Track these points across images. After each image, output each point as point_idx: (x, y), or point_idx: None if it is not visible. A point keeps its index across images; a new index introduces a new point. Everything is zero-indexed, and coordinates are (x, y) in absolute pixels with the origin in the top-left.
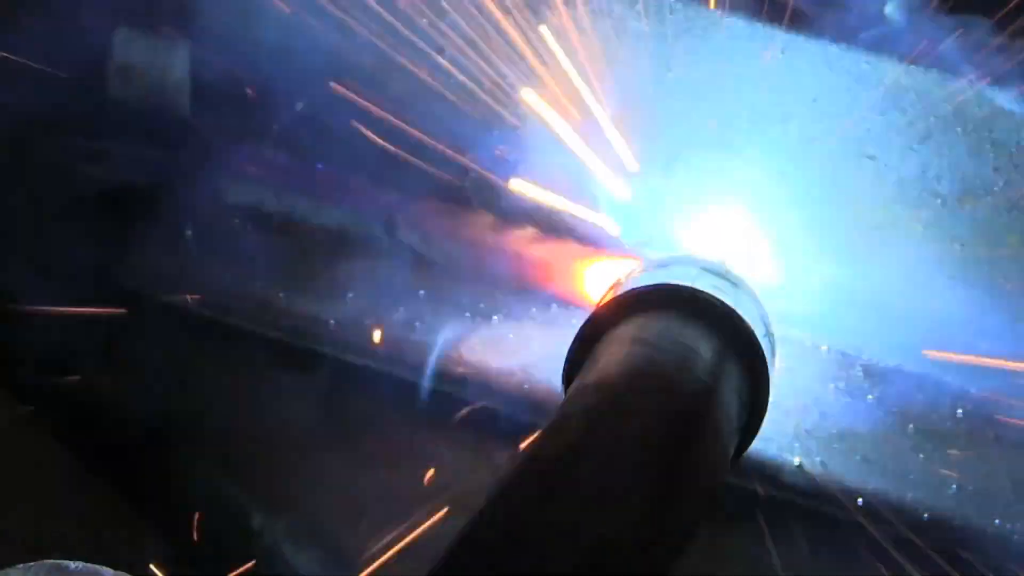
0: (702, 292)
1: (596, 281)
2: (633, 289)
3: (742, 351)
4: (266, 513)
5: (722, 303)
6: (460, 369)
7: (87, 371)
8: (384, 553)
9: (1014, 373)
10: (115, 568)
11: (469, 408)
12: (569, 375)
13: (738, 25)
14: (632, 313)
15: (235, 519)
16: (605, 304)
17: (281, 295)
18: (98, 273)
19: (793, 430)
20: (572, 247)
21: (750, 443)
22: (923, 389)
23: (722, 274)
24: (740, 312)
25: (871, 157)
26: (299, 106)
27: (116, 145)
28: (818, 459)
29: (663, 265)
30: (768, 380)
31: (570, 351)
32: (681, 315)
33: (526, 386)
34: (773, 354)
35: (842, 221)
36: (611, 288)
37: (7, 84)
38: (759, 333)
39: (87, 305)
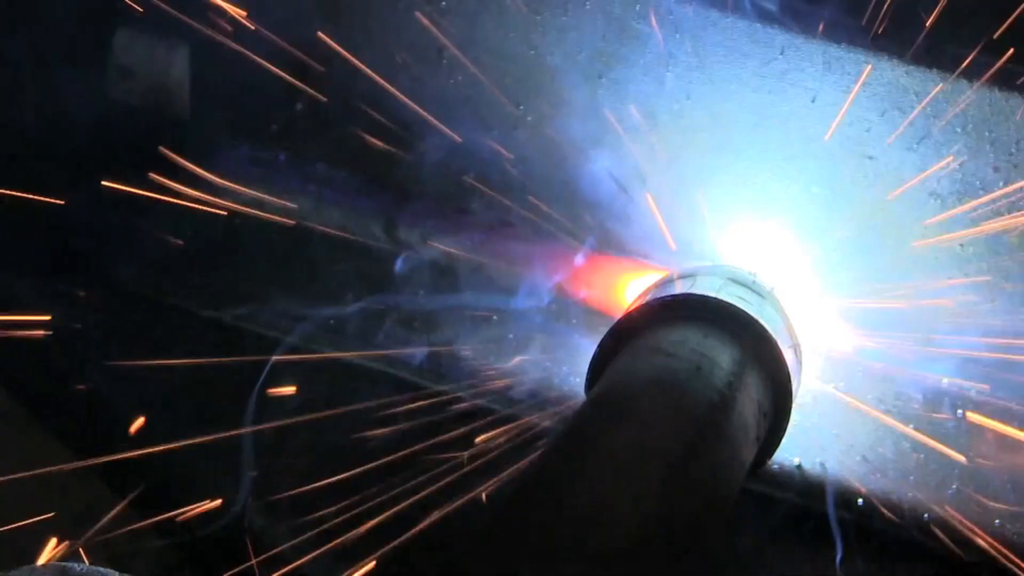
0: (724, 302)
1: (626, 291)
2: (656, 299)
3: (763, 361)
4: None
5: (744, 313)
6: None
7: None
8: None
9: (1014, 373)
10: (120, 571)
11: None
12: (591, 383)
13: (738, 25)
14: (653, 323)
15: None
16: (627, 314)
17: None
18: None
19: (793, 430)
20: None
21: (772, 453)
22: (923, 389)
23: (749, 285)
24: (763, 322)
25: (871, 157)
26: (298, 106)
27: None
28: (818, 459)
29: (690, 275)
30: (790, 391)
31: (592, 360)
32: (702, 325)
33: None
34: (799, 366)
35: (841, 221)
36: (637, 299)
37: None
38: (784, 344)
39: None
